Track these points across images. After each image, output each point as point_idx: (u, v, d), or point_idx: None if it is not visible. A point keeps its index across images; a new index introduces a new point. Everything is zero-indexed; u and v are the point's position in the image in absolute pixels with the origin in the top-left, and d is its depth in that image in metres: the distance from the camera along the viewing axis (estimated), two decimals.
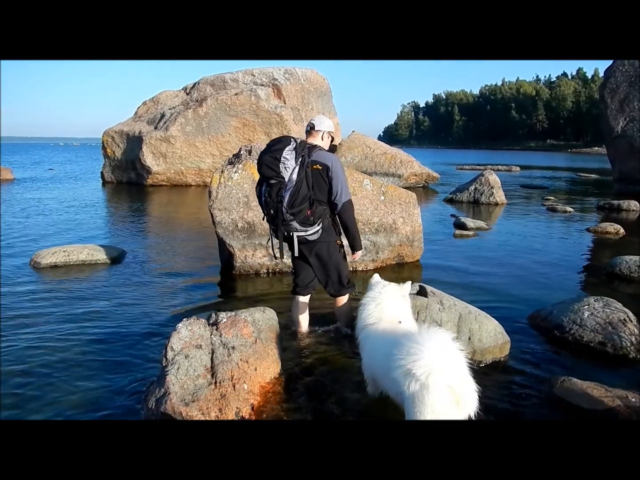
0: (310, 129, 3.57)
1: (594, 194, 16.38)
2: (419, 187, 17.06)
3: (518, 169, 29.56)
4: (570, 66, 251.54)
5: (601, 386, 2.89)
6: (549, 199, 13.96)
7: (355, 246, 3.63)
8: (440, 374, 2.03)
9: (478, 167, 27.92)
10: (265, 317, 3.32)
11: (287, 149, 3.24)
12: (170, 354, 2.86)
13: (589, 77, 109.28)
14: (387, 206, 6.12)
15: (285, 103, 17.62)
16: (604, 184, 19.40)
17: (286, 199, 3.25)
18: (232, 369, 2.87)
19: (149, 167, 17.03)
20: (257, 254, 5.71)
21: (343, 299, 3.75)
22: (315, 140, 3.53)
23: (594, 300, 4.02)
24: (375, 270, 5.91)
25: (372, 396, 2.83)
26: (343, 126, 22.63)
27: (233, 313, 3.23)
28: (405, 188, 14.75)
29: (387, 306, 2.80)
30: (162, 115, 17.80)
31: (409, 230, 6.16)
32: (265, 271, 5.73)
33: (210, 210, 5.75)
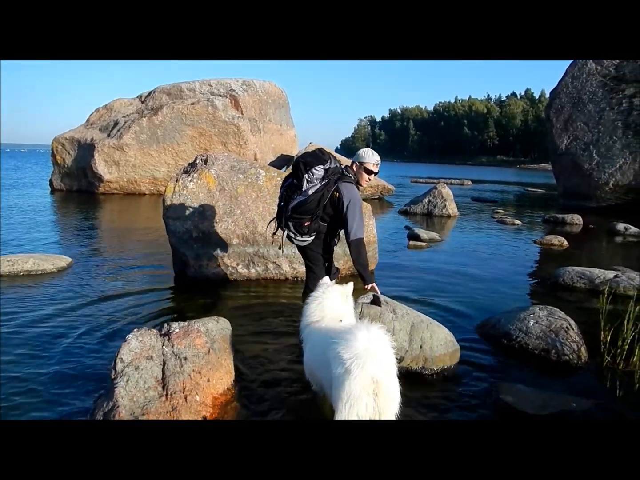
0: (353, 164, 3.72)
1: (541, 207, 17.07)
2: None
3: (470, 182, 30.46)
4: (519, 87, 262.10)
5: (545, 392, 3.01)
6: (499, 212, 14.45)
7: (365, 280, 3.53)
8: (365, 363, 2.10)
9: (432, 180, 28.60)
10: (218, 327, 3.29)
11: (319, 166, 3.49)
12: (119, 366, 2.79)
13: (537, 97, 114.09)
14: None
15: (242, 114, 17.59)
16: (549, 199, 20.25)
17: (294, 202, 3.56)
18: (183, 381, 2.82)
19: (100, 175, 16.58)
20: (211, 263, 5.65)
21: None
22: (354, 170, 3.69)
23: (539, 309, 4.18)
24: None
25: (318, 394, 2.85)
26: (300, 138, 22.76)
27: (186, 323, 3.18)
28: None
29: (329, 305, 2.87)
30: (116, 123, 17.41)
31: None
32: (220, 280, 5.67)
33: (164, 219, 5.66)
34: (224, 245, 5.67)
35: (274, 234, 3.94)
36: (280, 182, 5.93)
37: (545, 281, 6.32)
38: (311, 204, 3.48)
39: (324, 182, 3.48)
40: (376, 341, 2.20)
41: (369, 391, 2.13)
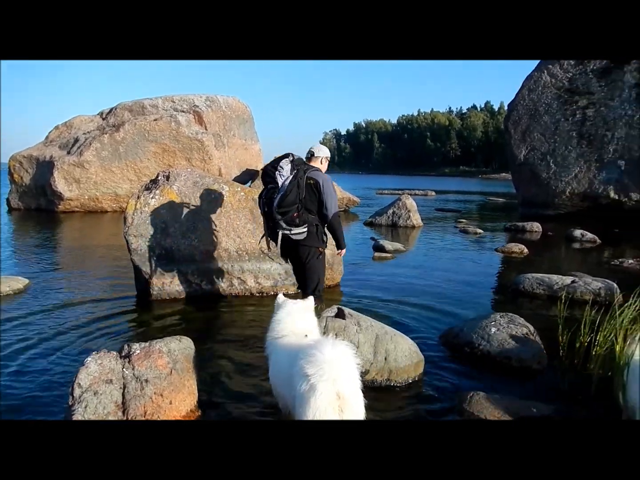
0: (311, 156, 4.25)
1: (502, 216, 17.51)
2: (340, 211, 17.37)
3: (433, 193, 31.04)
4: (479, 99, 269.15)
5: (507, 399, 3.07)
6: (462, 222, 14.75)
7: (340, 245, 4.32)
8: (330, 380, 2.10)
9: (396, 191, 28.98)
10: (181, 347, 3.22)
11: (285, 160, 3.96)
12: (77, 392, 2.70)
13: (496, 109, 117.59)
14: None
15: (206, 129, 17.49)
16: (510, 207, 20.78)
17: (276, 200, 3.88)
18: (145, 404, 2.76)
19: (60, 193, 16.17)
20: (175, 281, 5.57)
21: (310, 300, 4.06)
22: (314, 164, 4.19)
23: (500, 317, 4.27)
24: (297, 293, 5.93)
25: (284, 412, 2.82)
26: (265, 152, 22.75)
27: (147, 344, 3.11)
28: None
29: (294, 320, 2.86)
30: (76, 140, 17.04)
31: (328, 254, 6.22)
32: (184, 298, 5.59)
33: (125, 237, 5.55)
34: (187, 262, 5.60)
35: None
36: (244, 197, 5.97)
37: (507, 288, 6.46)
38: (291, 195, 3.84)
39: (294, 172, 3.90)
40: (341, 356, 2.21)
41: (334, 407, 2.12)
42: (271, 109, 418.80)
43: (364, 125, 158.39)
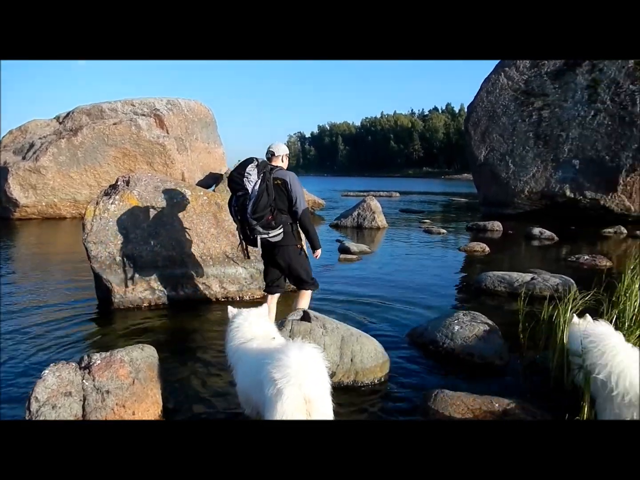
0: (271, 155, 4.30)
1: (465, 216, 17.87)
2: None
3: (398, 194, 31.38)
4: (440, 101, 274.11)
5: (470, 395, 3.11)
6: (425, 222, 14.97)
7: (314, 246, 4.33)
8: (297, 384, 2.10)
9: (361, 193, 29.19)
10: (144, 355, 3.16)
11: (250, 166, 3.96)
12: (34, 406, 2.62)
13: (457, 111, 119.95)
14: None
15: (168, 133, 17.23)
16: (472, 207, 21.23)
17: (249, 206, 3.91)
18: (106, 416, 2.70)
19: (16, 199, 15.61)
20: (137, 287, 5.45)
21: (307, 293, 4.37)
22: (276, 163, 4.26)
23: (463, 315, 4.35)
24: (263, 297, 5.89)
25: (250, 417, 2.80)
26: (229, 156, 22.58)
27: (108, 353, 3.04)
28: None
29: (252, 325, 2.89)
30: (32, 145, 16.49)
31: None
32: (147, 305, 5.48)
33: (84, 244, 5.41)
34: (150, 269, 5.49)
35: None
36: (207, 201, 5.90)
37: (470, 287, 6.59)
38: (263, 199, 3.89)
39: (261, 175, 3.95)
40: (308, 360, 2.20)
41: (302, 411, 2.12)
42: (234, 112, 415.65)
43: (328, 127, 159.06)
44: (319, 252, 4.40)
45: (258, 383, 2.35)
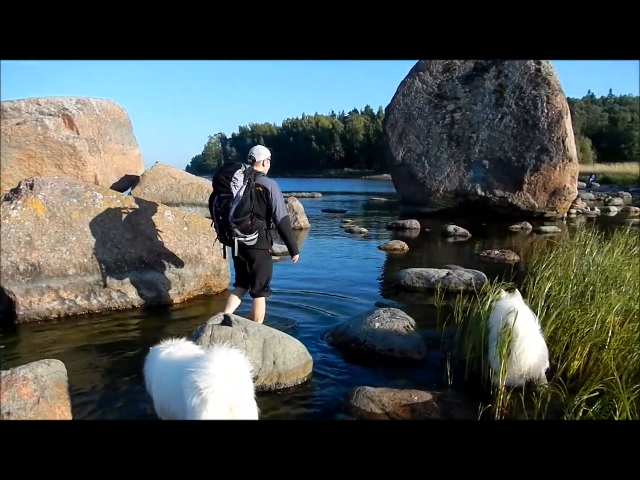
0: (253, 161, 4.45)
1: (385, 215, 18.36)
2: None
3: (320, 195, 31.67)
4: (359, 103, 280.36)
5: (391, 390, 3.19)
6: (347, 222, 15.20)
7: (292, 251, 4.58)
8: (221, 392, 2.05)
9: (284, 194, 29.14)
10: (50, 371, 2.95)
11: (238, 171, 4.12)
12: None
13: (375, 113, 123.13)
14: (191, 236, 6.01)
15: (78, 134, 16.28)
16: (392, 206, 21.85)
17: (232, 210, 4.10)
18: None
19: None
20: (44, 298, 5.09)
21: (261, 300, 4.53)
22: (258, 168, 4.42)
23: (383, 312, 4.45)
24: (182, 303, 5.72)
25: None
26: (146, 157, 21.72)
27: (9, 371, 2.81)
28: None
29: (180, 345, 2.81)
30: None
31: (215, 260, 6.12)
32: (56, 317, 5.13)
33: None
34: (58, 277, 5.15)
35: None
36: (120, 205, 5.64)
37: (390, 284, 6.77)
38: (246, 204, 4.08)
39: (246, 181, 4.11)
40: (231, 366, 2.15)
41: (227, 418, 2.07)
42: (151, 111, 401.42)
43: (249, 128, 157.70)
44: (296, 257, 4.61)
45: (178, 392, 2.27)
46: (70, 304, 5.21)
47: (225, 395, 2.07)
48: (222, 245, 4.61)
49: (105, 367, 3.90)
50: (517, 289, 3.61)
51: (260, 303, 4.51)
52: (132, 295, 5.47)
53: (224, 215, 4.14)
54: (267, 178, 4.40)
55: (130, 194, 15.92)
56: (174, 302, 5.67)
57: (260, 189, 4.23)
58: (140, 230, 5.63)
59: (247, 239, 4.23)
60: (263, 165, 4.50)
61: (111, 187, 15.15)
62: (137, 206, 5.74)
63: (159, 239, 5.69)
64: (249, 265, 4.41)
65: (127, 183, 17.36)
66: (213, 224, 4.34)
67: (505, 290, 3.64)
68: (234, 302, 4.59)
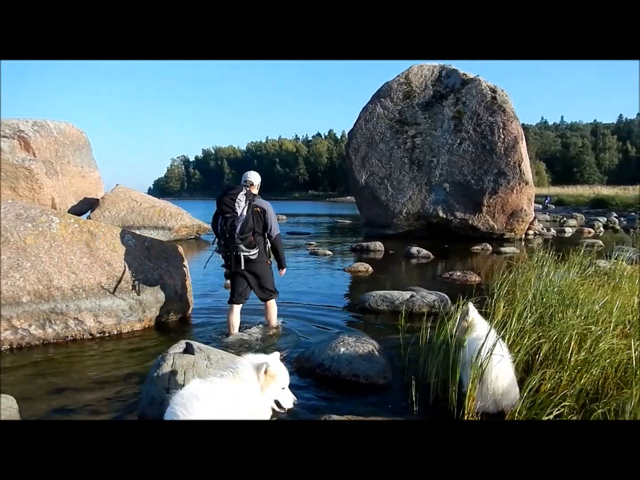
0: (250, 185, 5.12)
1: (349, 237, 18.48)
2: (190, 238, 16.93)
3: (284, 217, 31.65)
4: (323, 128, 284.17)
5: (356, 417, 3.15)
6: (312, 244, 15.21)
7: (281, 265, 5.44)
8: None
9: None
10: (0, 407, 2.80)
11: (240, 193, 4.83)
12: None
13: (339, 137, 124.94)
14: (153, 261, 5.89)
15: (35, 156, 15.85)
16: (356, 228, 22.04)
17: (238, 228, 4.77)
18: None
19: None
20: None
21: (272, 302, 5.39)
22: (254, 191, 5.12)
23: (348, 336, 4.43)
24: (143, 330, 5.56)
25: None
26: (107, 180, 21.31)
27: None
28: (176, 241, 14.39)
29: None
30: None
31: (177, 285, 6.00)
32: (8, 347, 4.89)
33: None
34: (11, 305, 4.92)
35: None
36: (78, 229, 5.48)
37: (355, 306, 6.76)
38: (250, 222, 4.80)
39: (247, 202, 4.82)
40: (193, 404, 2.12)
41: None
42: (111, 134, 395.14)
43: (213, 151, 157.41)
44: (284, 270, 5.49)
45: None
46: (23, 333, 4.98)
47: None
48: (223, 261, 5.13)
49: (60, 404, 3.70)
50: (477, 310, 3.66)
51: (273, 305, 5.36)
52: (90, 323, 5.28)
53: (231, 232, 4.77)
54: (263, 200, 5.09)
55: (89, 217, 15.55)
56: (135, 329, 5.50)
57: (259, 209, 4.95)
58: (99, 256, 5.47)
59: (250, 253, 4.88)
60: (257, 188, 5.22)
61: (70, 211, 14.78)
62: (96, 230, 5.59)
63: (119, 264, 5.53)
64: (254, 277, 5.08)
65: (86, 206, 16.98)
66: (216, 241, 5.01)
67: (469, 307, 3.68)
68: (236, 322, 5.21)
